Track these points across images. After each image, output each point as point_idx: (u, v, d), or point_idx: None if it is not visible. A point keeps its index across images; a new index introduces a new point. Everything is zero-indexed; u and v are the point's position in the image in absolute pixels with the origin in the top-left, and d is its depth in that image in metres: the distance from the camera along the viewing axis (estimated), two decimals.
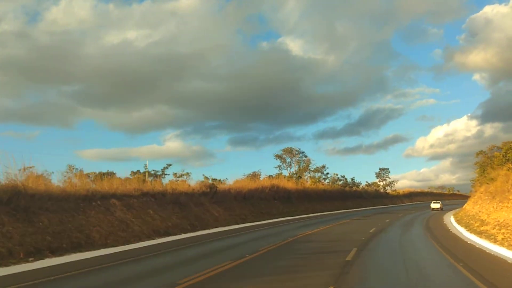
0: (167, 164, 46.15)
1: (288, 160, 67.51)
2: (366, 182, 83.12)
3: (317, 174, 63.01)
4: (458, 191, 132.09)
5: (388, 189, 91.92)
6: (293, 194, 45.64)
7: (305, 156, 67.25)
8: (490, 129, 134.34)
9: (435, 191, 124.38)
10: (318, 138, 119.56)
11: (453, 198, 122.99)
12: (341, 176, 71.89)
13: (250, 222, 29.51)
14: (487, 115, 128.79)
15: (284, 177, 55.38)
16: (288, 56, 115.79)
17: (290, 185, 48.19)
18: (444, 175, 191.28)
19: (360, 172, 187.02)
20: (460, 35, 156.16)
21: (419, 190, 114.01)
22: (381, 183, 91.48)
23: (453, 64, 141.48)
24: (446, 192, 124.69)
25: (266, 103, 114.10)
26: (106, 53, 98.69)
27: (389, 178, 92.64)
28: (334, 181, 66.66)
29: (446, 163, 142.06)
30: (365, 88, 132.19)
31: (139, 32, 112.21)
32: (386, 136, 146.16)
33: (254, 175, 48.30)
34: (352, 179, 74.06)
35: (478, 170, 51.19)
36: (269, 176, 52.57)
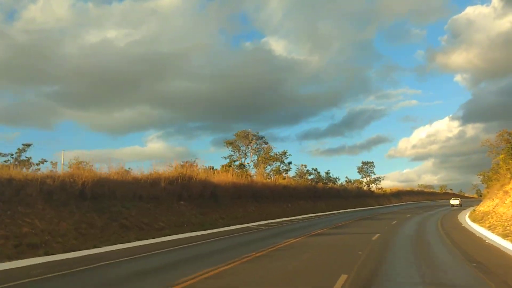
0: (23, 144, 28.26)
1: (243, 148, 50.17)
2: (346, 178, 66.73)
3: (276, 164, 45.77)
4: (451, 189, 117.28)
5: (373, 187, 75.38)
6: (223, 191, 28.19)
7: (265, 143, 50.06)
8: (471, 129, 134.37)
9: (426, 189, 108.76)
10: (302, 139, 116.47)
11: (448, 198, 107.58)
12: (312, 169, 55.09)
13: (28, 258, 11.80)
14: (468, 116, 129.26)
15: (230, 168, 37.95)
16: (271, 56, 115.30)
17: (223, 178, 30.73)
18: (427, 176, 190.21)
19: (343, 173, 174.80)
20: (443, 36, 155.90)
21: (408, 189, 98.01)
22: (365, 180, 75.09)
23: (436, 65, 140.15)
24: (439, 191, 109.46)
25: (250, 103, 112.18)
26: (85, 52, 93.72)
27: (374, 174, 76.08)
28: (302, 174, 49.35)
29: (429, 163, 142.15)
30: (349, 88, 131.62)
31: (120, 31, 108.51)
32: (369, 137, 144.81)
33: (187, 166, 30.79)
34: (327, 173, 57.19)
35: (503, 156, 36.16)
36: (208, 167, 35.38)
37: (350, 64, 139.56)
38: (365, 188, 70.87)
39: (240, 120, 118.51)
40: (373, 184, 74.91)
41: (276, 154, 45.59)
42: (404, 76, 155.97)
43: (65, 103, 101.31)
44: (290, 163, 46.84)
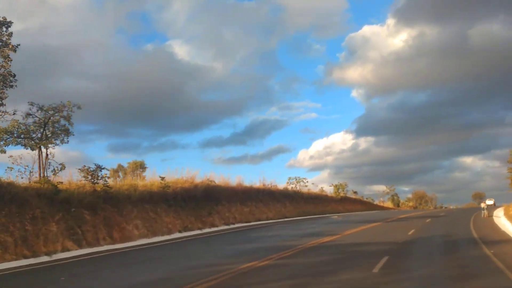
0: None
1: None
2: None
3: None
4: (355, 192, 66.83)
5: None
6: None
7: None
8: (364, 142, 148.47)
9: (303, 191, 54.74)
10: (204, 147, 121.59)
11: (361, 208, 57.28)
12: None
13: None
14: (361, 130, 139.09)
15: None
16: (173, 60, 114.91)
17: None
18: (323, 186, 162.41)
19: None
20: (341, 52, 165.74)
21: (279, 188, 42.85)
22: None
23: (334, 81, 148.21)
24: (333, 194, 57.16)
25: (149, 108, 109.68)
26: None
27: None
28: None
29: (325, 174, 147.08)
30: (251, 98, 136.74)
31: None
32: (270, 146, 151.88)
33: None
34: None
35: None
36: None
37: (253, 73, 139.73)
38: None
39: (138, 125, 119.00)
40: None
41: None
42: (305, 89, 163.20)
43: None
44: None
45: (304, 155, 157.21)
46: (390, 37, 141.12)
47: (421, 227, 26.07)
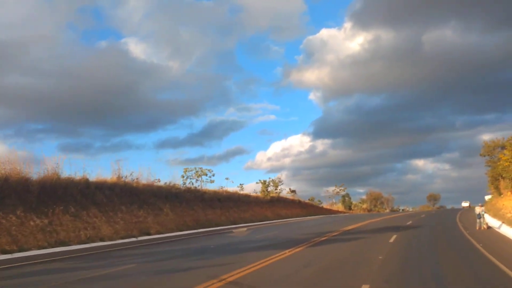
0: None
1: None
2: None
3: None
4: (291, 190, 51.64)
5: None
6: None
7: None
8: (321, 145, 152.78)
9: (237, 191, 39.53)
10: (159, 148, 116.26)
11: (300, 213, 41.61)
12: None
13: None
14: (318, 132, 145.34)
15: None
16: (128, 58, 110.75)
17: None
18: (281, 187, 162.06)
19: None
20: (299, 55, 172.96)
21: (156, 184, 26.78)
22: None
23: (292, 83, 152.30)
24: (260, 195, 41.71)
25: (102, 107, 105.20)
26: None
27: None
28: None
29: (282, 176, 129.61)
30: (209, 98, 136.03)
31: None
32: (228, 148, 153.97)
33: None
34: None
35: None
36: None
37: (211, 74, 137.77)
38: None
39: (90, 124, 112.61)
40: None
41: None
42: (263, 91, 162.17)
43: None
44: None
45: (262, 157, 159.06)
46: (347, 40, 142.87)
47: (381, 267, 10.87)
